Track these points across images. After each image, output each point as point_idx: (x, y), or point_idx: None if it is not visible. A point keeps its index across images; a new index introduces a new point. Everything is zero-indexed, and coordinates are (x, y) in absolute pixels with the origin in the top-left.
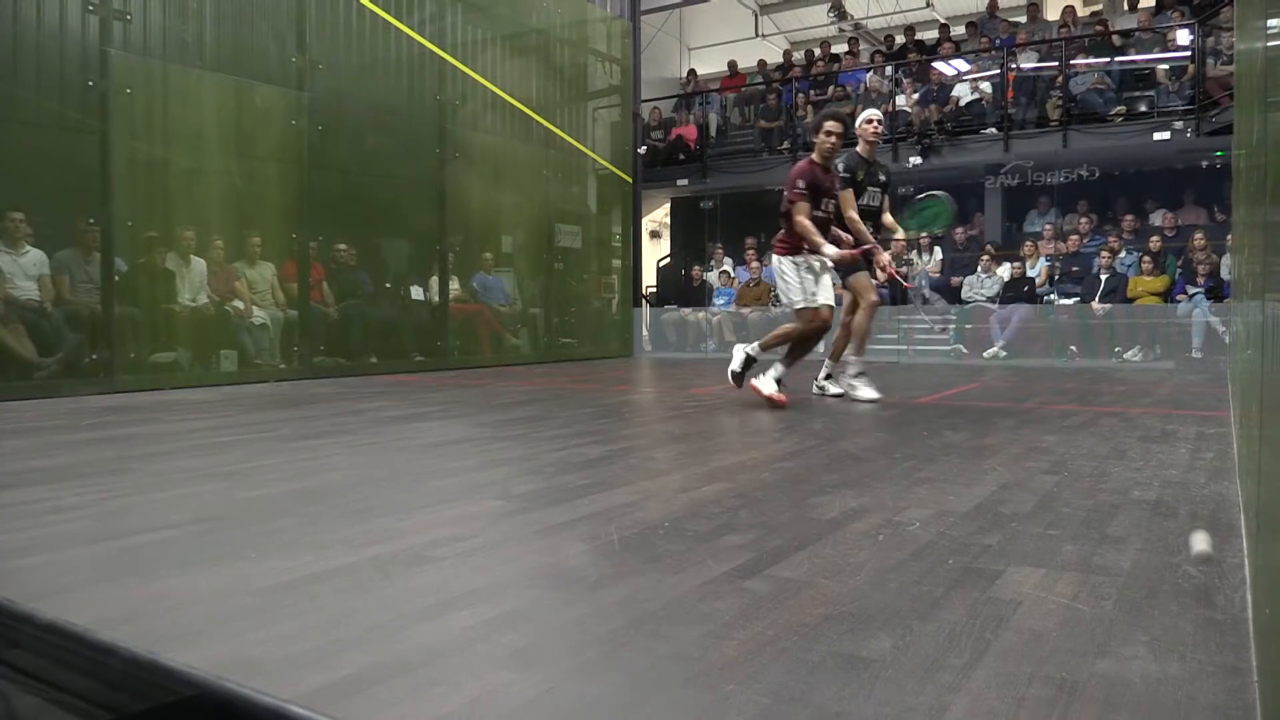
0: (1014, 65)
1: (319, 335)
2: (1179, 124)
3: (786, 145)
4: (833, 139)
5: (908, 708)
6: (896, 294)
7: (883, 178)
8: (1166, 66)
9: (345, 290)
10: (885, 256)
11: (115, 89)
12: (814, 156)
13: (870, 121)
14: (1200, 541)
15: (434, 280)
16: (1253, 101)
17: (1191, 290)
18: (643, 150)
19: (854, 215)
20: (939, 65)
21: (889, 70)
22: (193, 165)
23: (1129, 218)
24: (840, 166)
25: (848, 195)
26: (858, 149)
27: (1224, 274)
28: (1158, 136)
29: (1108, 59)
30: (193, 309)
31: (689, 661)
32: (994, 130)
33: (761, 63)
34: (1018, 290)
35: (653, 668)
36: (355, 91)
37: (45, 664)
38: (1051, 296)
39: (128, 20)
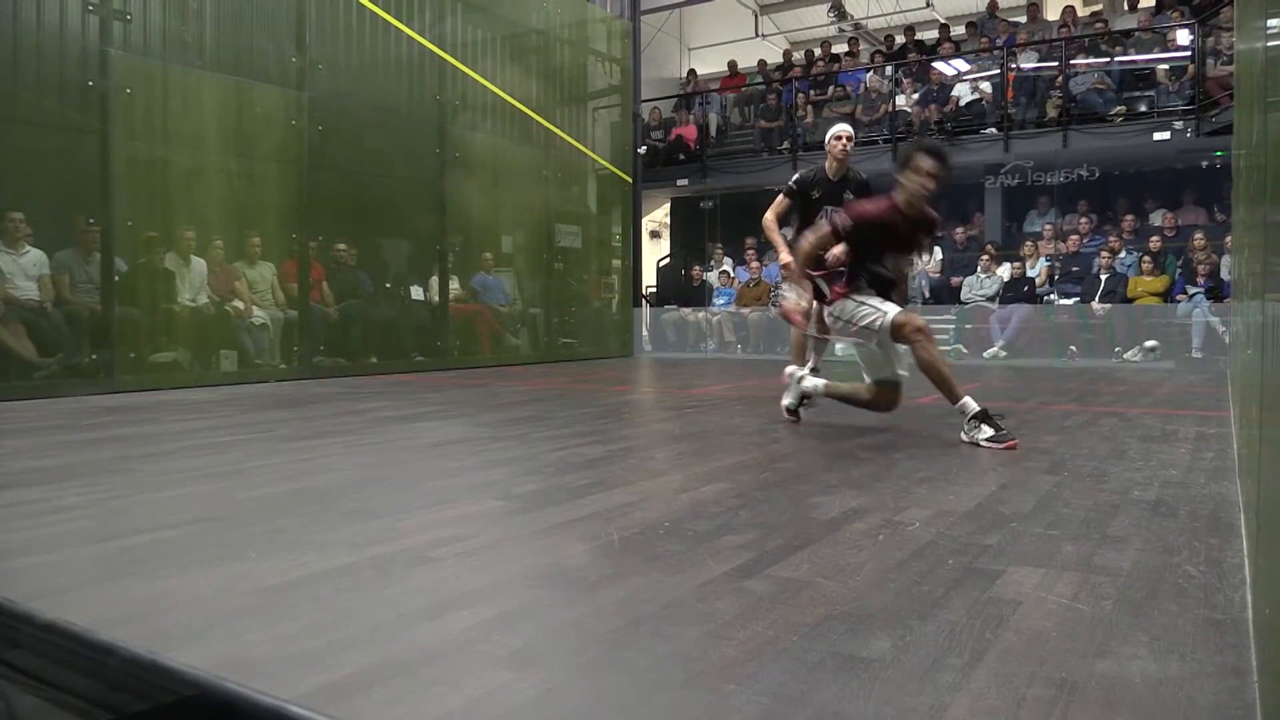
0: (1014, 65)
1: (319, 335)
2: (1179, 124)
3: (786, 145)
4: (932, 184)
5: (908, 708)
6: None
7: (849, 196)
8: (1166, 66)
9: (345, 290)
10: (788, 256)
11: (115, 89)
12: (897, 198)
13: (839, 139)
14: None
15: (434, 280)
16: (1253, 101)
17: (1191, 290)
18: (643, 150)
19: (769, 217)
20: (939, 65)
21: (889, 70)
22: (193, 165)
23: (1129, 218)
24: (794, 177)
25: (777, 201)
26: (825, 164)
27: (1224, 274)
28: (1158, 136)
29: (1108, 59)
30: (193, 309)
31: (689, 661)
32: (994, 130)
33: (761, 63)
34: (1018, 290)
35: (653, 668)
36: (355, 91)
37: (45, 664)
38: (1051, 296)
39: (128, 20)
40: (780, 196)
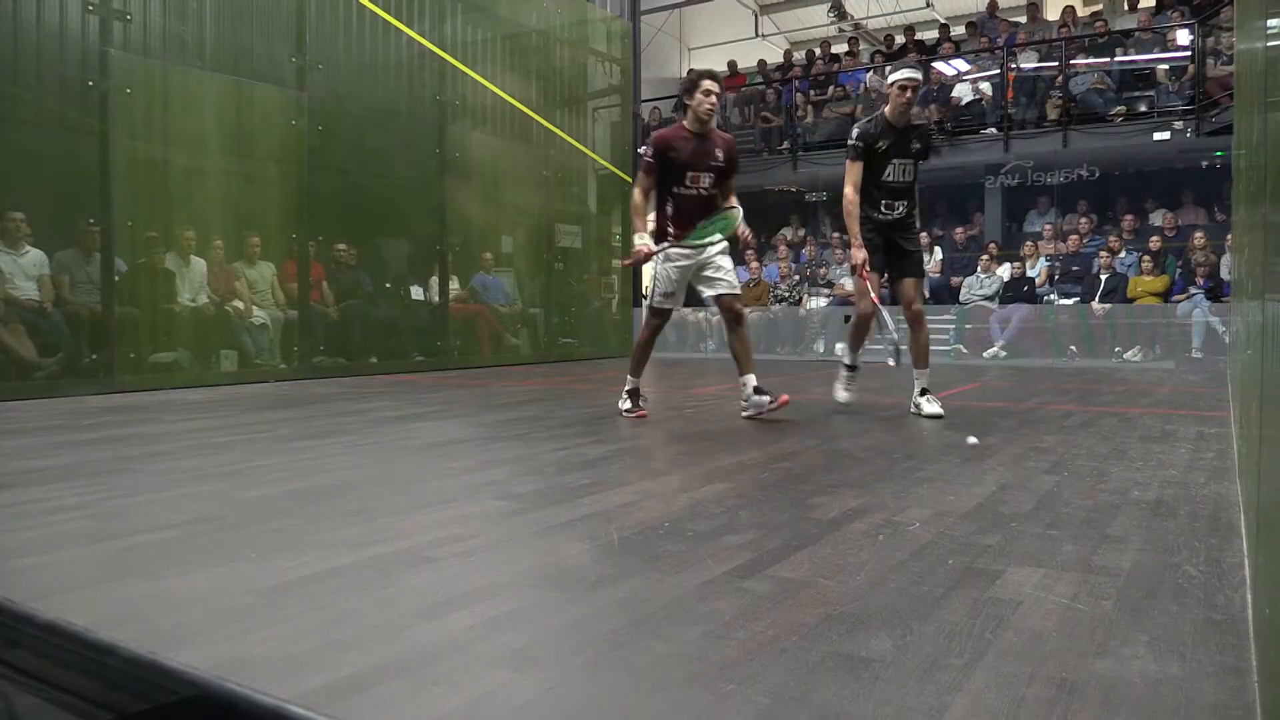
0: (1014, 65)
1: (319, 335)
2: (1179, 124)
3: (786, 145)
4: (711, 99)
5: (908, 708)
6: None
7: (917, 145)
8: (1166, 66)
9: (345, 290)
10: (862, 254)
11: (115, 89)
12: (684, 121)
13: (905, 89)
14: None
15: (434, 280)
16: (1253, 101)
17: (1191, 290)
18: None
19: (850, 192)
20: (939, 65)
21: (889, 70)
22: (193, 165)
23: (1129, 218)
24: (855, 132)
25: (854, 167)
26: (885, 111)
27: (1223, 274)
28: (1158, 136)
29: (1108, 59)
30: (193, 309)
31: (689, 661)
32: (994, 130)
33: (761, 63)
34: (1018, 290)
35: (653, 668)
36: (355, 91)
37: (45, 664)
38: (1051, 297)
39: (128, 20)
40: (850, 163)
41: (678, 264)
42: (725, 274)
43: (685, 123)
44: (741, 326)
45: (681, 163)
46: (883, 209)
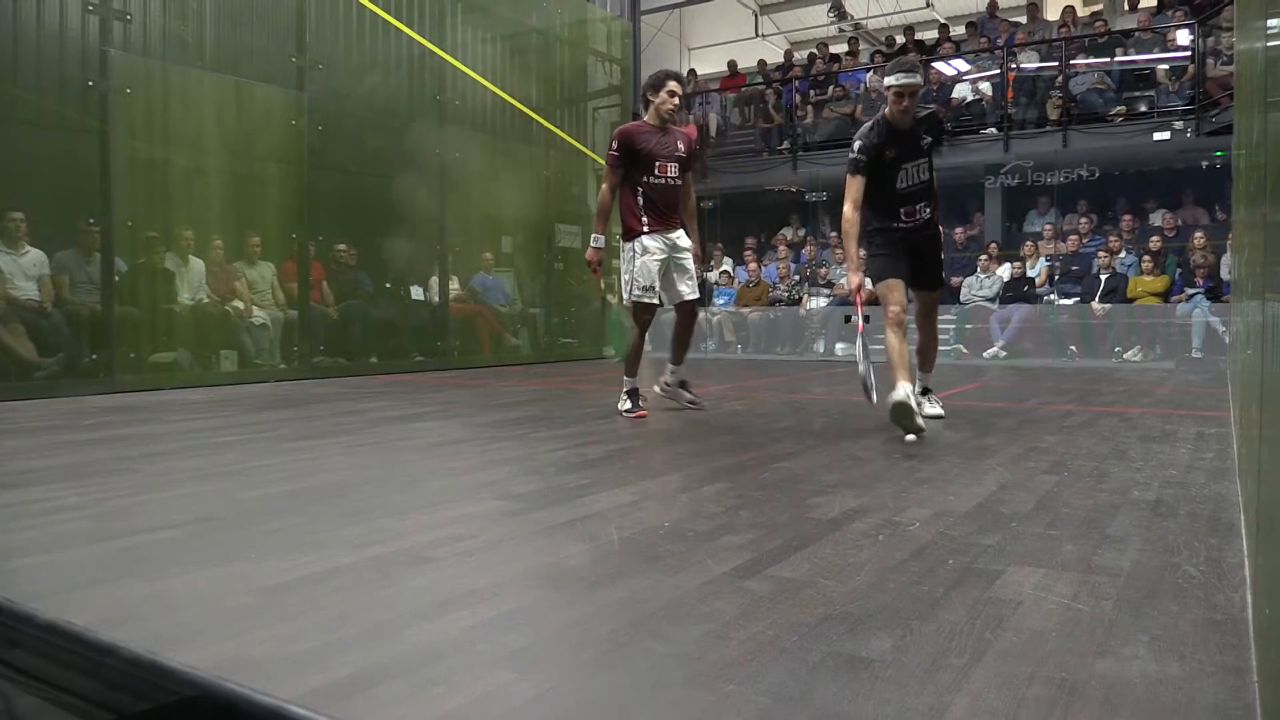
0: (1014, 65)
1: (319, 335)
2: (1179, 124)
3: (786, 145)
4: (674, 100)
5: (908, 708)
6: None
7: (928, 139)
8: (1166, 66)
9: (345, 290)
10: (858, 279)
11: (115, 89)
12: (647, 117)
13: (901, 96)
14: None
15: (434, 280)
16: (1253, 101)
17: (1191, 290)
18: None
19: (848, 211)
20: (939, 65)
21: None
22: (193, 165)
23: (1129, 218)
24: (856, 145)
25: (854, 183)
26: (885, 113)
27: (1224, 274)
28: (1158, 136)
29: (1108, 59)
30: (193, 309)
31: (689, 661)
32: (994, 130)
33: (761, 63)
34: (1018, 290)
35: (653, 668)
36: (355, 91)
37: (45, 664)
38: (1051, 297)
39: (128, 20)
40: (851, 178)
41: (655, 256)
42: (689, 279)
43: (647, 118)
44: (693, 321)
45: (648, 153)
46: (903, 218)
